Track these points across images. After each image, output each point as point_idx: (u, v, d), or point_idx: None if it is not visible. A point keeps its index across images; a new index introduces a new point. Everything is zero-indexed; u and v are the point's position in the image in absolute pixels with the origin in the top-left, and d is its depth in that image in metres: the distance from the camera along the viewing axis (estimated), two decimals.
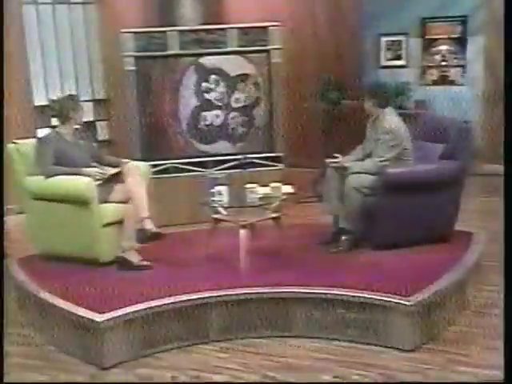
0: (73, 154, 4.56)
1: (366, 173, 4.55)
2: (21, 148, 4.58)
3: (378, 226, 4.53)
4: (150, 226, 4.35)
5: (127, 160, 4.75)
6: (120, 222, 4.43)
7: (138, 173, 4.57)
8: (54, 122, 4.69)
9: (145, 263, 4.39)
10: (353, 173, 4.56)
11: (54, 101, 4.77)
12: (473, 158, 4.63)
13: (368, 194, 4.50)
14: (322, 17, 8.25)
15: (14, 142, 4.60)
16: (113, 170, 4.62)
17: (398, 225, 4.46)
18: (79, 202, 4.34)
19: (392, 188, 4.39)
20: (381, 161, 4.55)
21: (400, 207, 4.46)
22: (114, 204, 4.48)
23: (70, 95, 4.88)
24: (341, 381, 3.37)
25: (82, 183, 4.35)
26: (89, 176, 4.42)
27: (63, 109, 4.58)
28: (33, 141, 4.67)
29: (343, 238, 4.58)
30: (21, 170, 4.56)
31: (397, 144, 4.57)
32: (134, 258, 4.39)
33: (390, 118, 4.64)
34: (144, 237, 4.36)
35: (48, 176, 4.43)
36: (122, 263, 4.38)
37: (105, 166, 4.71)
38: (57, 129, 4.63)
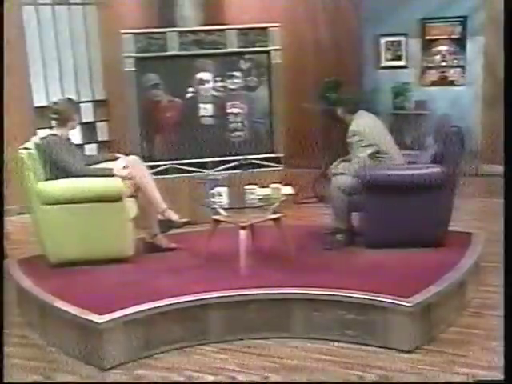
0: (74, 155, 4.57)
1: (348, 174, 4.67)
2: (33, 153, 4.39)
3: (366, 224, 4.60)
4: (175, 216, 4.65)
5: (119, 155, 4.82)
6: (135, 216, 4.58)
7: (141, 164, 4.74)
8: (53, 123, 4.66)
9: (173, 245, 4.73)
10: (336, 174, 4.75)
11: (54, 103, 4.80)
12: (461, 162, 4.59)
13: (352, 193, 4.60)
14: (321, 17, 8.24)
15: (26, 148, 4.38)
16: (119, 165, 4.63)
17: (383, 223, 4.49)
18: (112, 199, 4.35)
19: (369, 188, 4.47)
20: (358, 162, 4.64)
21: (382, 207, 4.49)
22: (130, 199, 4.56)
23: (69, 99, 4.98)
24: (340, 381, 3.38)
25: (117, 181, 4.41)
26: (111, 172, 4.49)
27: (63, 112, 4.60)
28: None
29: (337, 236, 4.66)
30: (32, 175, 4.35)
31: (369, 144, 4.66)
32: (163, 242, 4.72)
33: (356, 121, 4.75)
34: (171, 226, 4.69)
35: (81, 176, 4.41)
36: (152, 248, 4.69)
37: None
38: (54, 131, 4.59)
